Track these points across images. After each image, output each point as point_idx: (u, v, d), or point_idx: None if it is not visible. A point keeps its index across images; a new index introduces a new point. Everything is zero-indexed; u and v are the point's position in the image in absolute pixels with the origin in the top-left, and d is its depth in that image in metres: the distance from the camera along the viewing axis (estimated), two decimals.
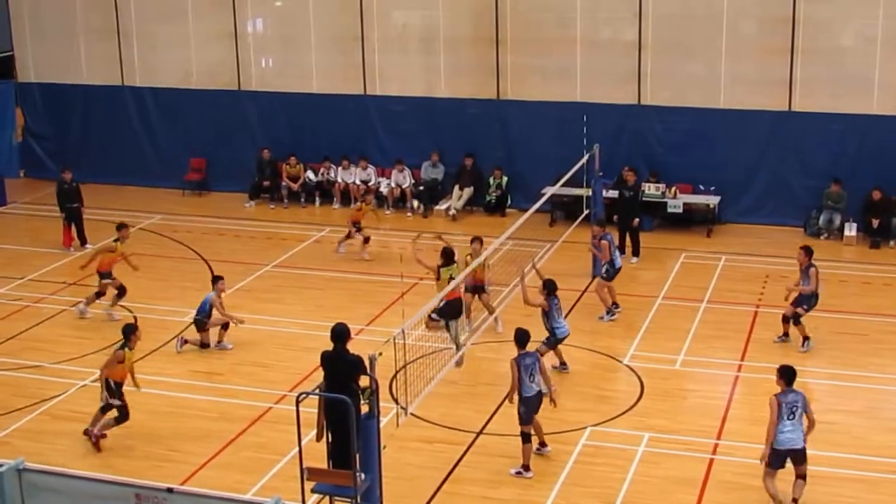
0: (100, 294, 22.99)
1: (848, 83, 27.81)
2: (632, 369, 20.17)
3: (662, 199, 28.20)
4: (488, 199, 29.82)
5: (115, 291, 22.97)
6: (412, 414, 16.66)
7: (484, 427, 17.98)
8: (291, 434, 14.12)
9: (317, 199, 31.34)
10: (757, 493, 15.99)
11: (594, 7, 29.52)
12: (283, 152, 31.30)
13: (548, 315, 19.44)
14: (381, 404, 14.25)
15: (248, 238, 28.28)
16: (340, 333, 14.71)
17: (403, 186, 30.46)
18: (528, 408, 16.62)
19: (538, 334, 19.11)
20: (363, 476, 13.90)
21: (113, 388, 17.68)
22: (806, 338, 20.92)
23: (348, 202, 30.84)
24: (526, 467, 16.64)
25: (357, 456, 13.82)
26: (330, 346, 14.65)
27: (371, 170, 30.98)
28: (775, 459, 15.34)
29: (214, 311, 21.26)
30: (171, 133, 32.97)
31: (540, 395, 16.72)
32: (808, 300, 20.95)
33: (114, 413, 17.73)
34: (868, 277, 25.01)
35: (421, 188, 30.44)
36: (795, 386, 15.54)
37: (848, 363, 20.30)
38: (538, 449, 17.01)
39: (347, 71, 31.34)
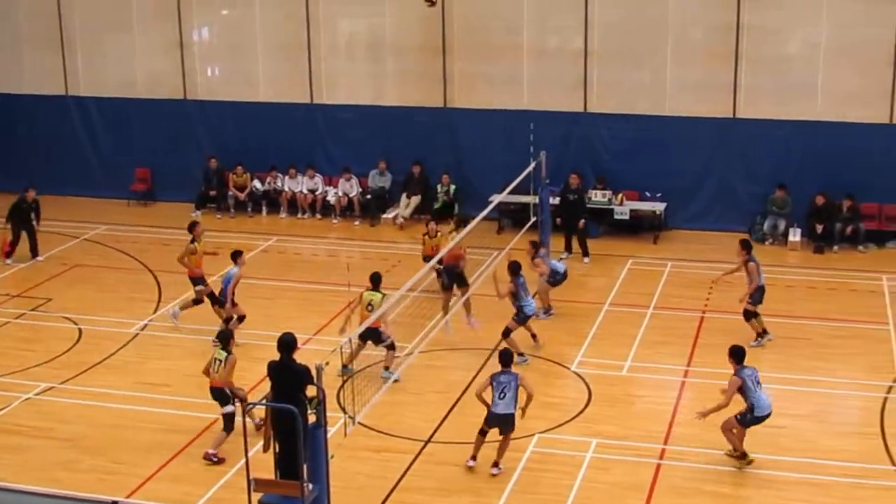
0: (198, 301, 22.57)
1: (792, 89, 28.05)
2: (579, 376, 20.21)
3: (609, 206, 28.33)
4: (441, 201, 29.64)
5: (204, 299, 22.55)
6: (360, 423, 16.61)
7: (433, 435, 17.96)
8: (239, 445, 14.04)
9: (263, 208, 31.21)
10: (706, 497, 16.09)
11: (541, 15, 29.62)
12: (229, 161, 31.13)
13: (515, 295, 20.65)
14: (329, 414, 14.20)
15: None
16: (287, 343, 14.70)
17: (351, 195, 30.39)
18: (489, 423, 16.72)
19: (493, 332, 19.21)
20: (311, 486, 13.83)
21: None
22: (762, 333, 21.46)
23: (295, 211, 30.77)
24: (474, 457, 17.00)
25: (305, 466, 13.76)
26: (277, 356, 14.61)
27: (318, 179, 30.89)
28: (752, 422, 16.71)
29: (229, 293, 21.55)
30: (116, 143, 32.70)
31: (509, 417, 16.62)
32: (752, 295, 21.40)
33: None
34: (813, 282, 25.22)
35: (368, 196, 30.38)
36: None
37: (795, 368, 20.43)
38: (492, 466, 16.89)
39: (294, 79, 31.25)
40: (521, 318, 20.85)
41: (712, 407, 16.75)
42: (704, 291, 24.19)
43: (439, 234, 23.74)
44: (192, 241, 22.44)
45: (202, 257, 22.56)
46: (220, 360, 17.69)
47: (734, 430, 16.76)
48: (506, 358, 16.97)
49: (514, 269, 20.81)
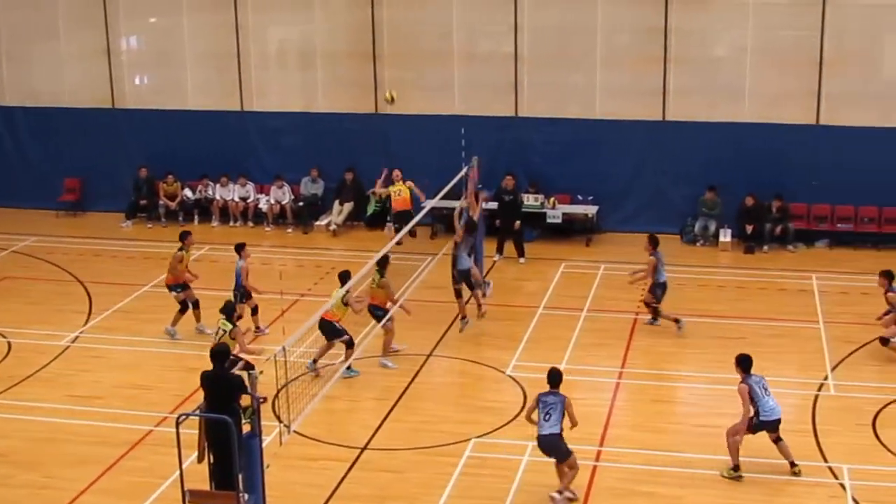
0: (184, 309, 22.35)
1: (720, 92, 28.35)
2: (514, 380, 20.23)
3: (542, 210, 28.44)
4: (374, 208, 29.72)
5: (182, 305, 22.38)
6: (295, 432, 16.52)
7: (368, 442, 17.91)
8: (173, 456, 13.94)
9: (195, 217, 31.00)
10: (641, 498, 16.17)
11: (471, 20, 29.72)
12: (160, 170, 30.89)
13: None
14: (264, 423, 14.12)
15: (125, 258, 27.87)
16: (220, 353, 14.62)
17: (283, 203, 30.28)
18: (539, 446, 16.12)
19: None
20: (246, 497, 13.74)
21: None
22: (677, 320, 22.11)
23: (227, 219, 30.62)
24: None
25: (240, 476, 13.67)
26: (210, 366, 14.52)
27: (250, 187, 30.77)
28: (758, 427, 16.66)
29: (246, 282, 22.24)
30: (44, 153, 32.32)
31: (552, 438, 15.90)
32: (653, 290, 22.05)
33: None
34: (743, 282, 25.46)
35: (301, 204, 30.28)
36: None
37: (727, 367, 20.31)
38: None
39: (224, 87, 31.11)
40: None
41: (741, 425, 16.57)
42: (637, 293, 24.27)
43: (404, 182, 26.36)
44: (181, 249, 22.32)
45: (186, 268, 22.49)
46: (225, 331, 18.75)
47: (738, 437, 16.57)
48: (554, 378, 16.25)
49: (470, 227, 22.79)
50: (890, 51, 28.51)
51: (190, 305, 22.43)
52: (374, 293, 20.93)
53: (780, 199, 27.63)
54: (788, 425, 18.40)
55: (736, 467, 16.65)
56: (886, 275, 20.98)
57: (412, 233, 24.76)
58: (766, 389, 16.71)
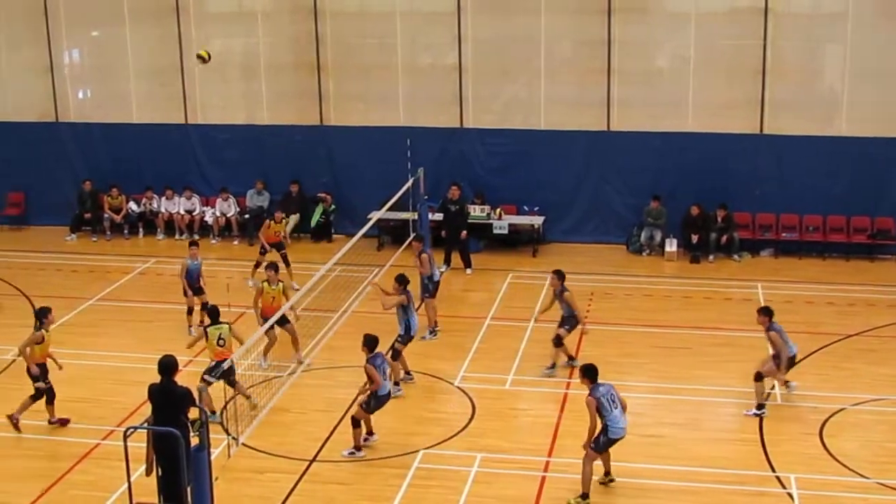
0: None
1: (664, 102, 28.53)
2: (463, 391, 20.25)
3: (488, 221, 28.49)
4: (317, 220, 29.69)
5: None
6: (244, 444, 16.47)
7: (317, 455, 17.86)
8: (121, 470, 13.85)
9: (140, 230, 30.85)
10: None
11: (414, 32, 29.77)
12: (104, 184, 30.71)
13: (406, 309, 20.32)
14: (212, 436, 14.06)
15: (70, 272, 27.64)
16: (167, 366, 14.57)
17: (228, 215, 30.18)
18: (378, 403, 17.51)
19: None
20: None
21: (37, 373, 18.67)
22: (571, 357, 21.23)
23: (172, 233, 30.48)
24: (358, 448, 17.62)
25: (188, 489, 13.61)
26: (157, 378, 14.45)
27: (195, 199, 30.64)
28: (606, 445, 16.26)
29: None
30: None
31: (389, 395, 17.66)
32: (569, 321, 21.12)
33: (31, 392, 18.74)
34: (689, 292, 25.62)
35: (246, 216, 30.19)
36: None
37: (672, 376, 20.71)
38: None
39: (168, 100, 30.95)
40: (406, 339, 20.36)
41: (588, 434, 16.29)
42: (584, 303, 24.39)
43: (284, 220, 25.83)
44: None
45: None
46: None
47: (592, 464, 16.22)
48: (373, 342, 17.72)
49: (402, 280, 20.39)
50: (830, 59, 28.81)
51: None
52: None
53: (724, 208, 27.84)
54: (733, 434, 18.65)
55: (585, 495, 16.18)
56: (765, 312, 19.39)
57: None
58: (613, 402, 16.17)
